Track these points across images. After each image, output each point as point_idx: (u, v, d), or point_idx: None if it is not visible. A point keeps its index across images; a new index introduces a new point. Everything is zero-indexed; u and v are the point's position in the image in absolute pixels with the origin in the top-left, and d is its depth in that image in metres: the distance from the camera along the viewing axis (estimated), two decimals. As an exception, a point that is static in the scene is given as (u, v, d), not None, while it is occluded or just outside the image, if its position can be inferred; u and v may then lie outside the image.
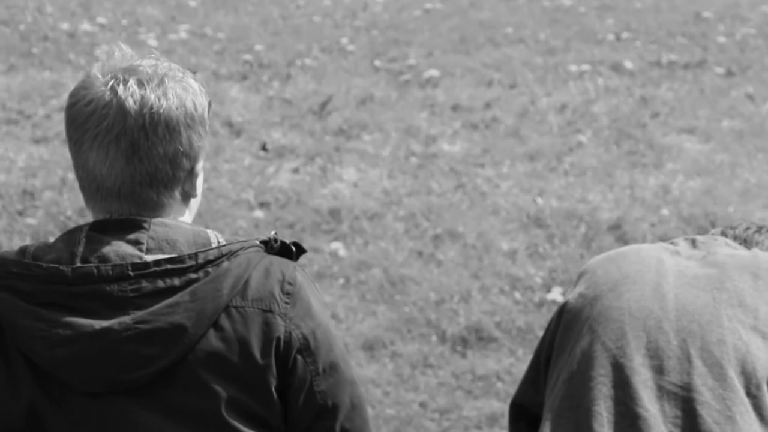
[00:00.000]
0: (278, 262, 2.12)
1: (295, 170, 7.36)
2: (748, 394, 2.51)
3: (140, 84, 2.05)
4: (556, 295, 5.90)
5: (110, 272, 2.01)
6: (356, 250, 6.37)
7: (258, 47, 9.93)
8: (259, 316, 2.05)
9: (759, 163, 7.62)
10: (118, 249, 2.04)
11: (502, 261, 6.28)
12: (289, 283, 2.09)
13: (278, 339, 2.05)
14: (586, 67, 9.48)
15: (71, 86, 2.21)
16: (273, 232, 2.19)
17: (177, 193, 2.12)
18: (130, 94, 2.04)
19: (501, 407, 5.06)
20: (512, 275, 6.14)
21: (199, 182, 2.17)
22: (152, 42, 9.91)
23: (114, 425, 2.02)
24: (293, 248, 2.18)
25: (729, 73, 9.45)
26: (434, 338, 5.61)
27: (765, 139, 8.00)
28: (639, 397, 2.51)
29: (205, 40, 10.23)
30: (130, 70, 2.07)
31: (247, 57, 9.58)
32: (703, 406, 2.49)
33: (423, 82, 9.08)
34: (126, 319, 1.99)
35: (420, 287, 6.01)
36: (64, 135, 8.42)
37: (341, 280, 6.06)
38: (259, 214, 6.72)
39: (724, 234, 2.87)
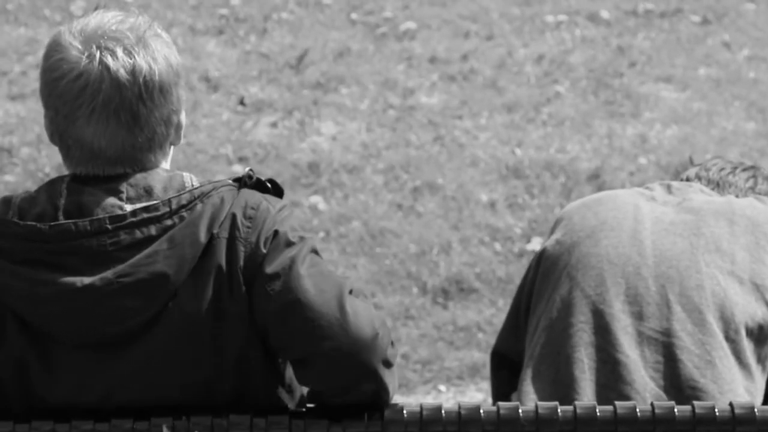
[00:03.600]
0: (247, 193, 2.11)
1: (274, 124, 7.35)
2: (727, 338, 2.53)
3: (127, 52, 2.03)
4: (536, 245, 5.92)
5: (88, 227, 2.01)
6: (336, 204, 6.38)
7: (234, 1, 9.87)
8: (223, 243, 2.04)
9: (735, 111, 7.64)
10: (100, 199, 2.04)
11: (481, 212, 6.30)
12: (252, 208, 2.08)
13: (242, 265, 2.04)
14: (562, 17, 9.46)
15: (46, 42, 2.16)
16: (248, 169, 2.19)
17: (167, 148, 2.15)
18: (122, 65, 2.02)
19: (482, 357, 5.09)
20: (492, 226, 6.16)
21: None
22: (127, -3, 9.85)
23: (99, 374, 2.03)
24: (269, 185, 2.17)
25: (705, 21, 9.45)
26: (415, 290, 5.63)
27: (741, 87, 8.02)
28: (619, 343, 2.53)
29: (181, -5, 10.17)
30: (112, 38, 2.04)
31: (223, 11, 9.52)
32: (683, 351, 2.51)
33: (400, 34, 9.05)
34: (108, 274, 1.99)
35: (400, 239, 6.02)
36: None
37: (321, 234, 6.07)
38: (237, 168, 6.71)
39: (698, 177, 2.88)
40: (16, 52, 8.54)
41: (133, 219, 2.02)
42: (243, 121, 7.39)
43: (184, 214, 2.03)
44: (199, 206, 2.05)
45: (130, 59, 2.03)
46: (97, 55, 2.02)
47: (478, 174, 6.72)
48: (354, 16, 9.55)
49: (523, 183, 6.63)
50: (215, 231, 2.04)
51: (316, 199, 6.39)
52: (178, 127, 2.15)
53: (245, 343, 2.06)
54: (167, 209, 2.03)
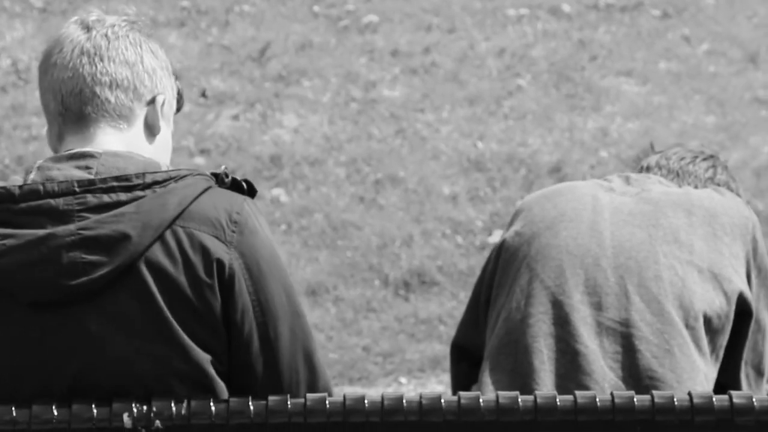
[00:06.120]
0: (227, 193, 2.13)
1: (235, 117, 7.34)
2: (687, 326, 2.56)
3: (117, 22, 2.20)
4: (497, 238, 5.94)
5: (56, 188, 2.04)
6: (298, 196, 6.38)
7: (195, -6, 9.85)
8: (205, 239, 2.06)
9: (695, 105, 7.69)
10: (67, 172, 2.07)
11: (443, 205, 6.32)
12: (237, 212, 2.09)
13: (222, 266, 2.05)
14: (524, 11, 9.49)
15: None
16: (223, 167, 2.21)
17: (137, 108, 2.18)
18: (91, 19, 2.18)
19: (443, 350, 5.11)
20: (453, 219, 6.18)
21: (165, 127, 2.24)
22: (88, -11, 9.80)
23: (58, 335, 2.04)
24: (244, 185, 2.19)
25: (665, 15, 9.50)
26: (377, 282, 5.64)
27: (701, 81, 8.07)
28: (578, 334, 2.55)
29: (142, -13, 10.13)
30: (110, 17, 2.21)
31: (185, 3, 9.50)
32: (642, 341, 2.54)
33: (362, 27, 9.05)
34: (70, 226, 2.02)
35: (362, 232, 6.03)
36: (-1, 83, 8.22)
37: (283, 226, 6.08)
38: (199, 160, 6.70)
39: (659, 165, 2.89)
40: (-24, 43, 8.48)
41: (102, 185, 2.04)
42: (205, 114, 7.37)
43: (157, 189, 2.05)
44: (172, 184, 2.06)
45: (105, 18, 2.19)
46: (92, 27, 2.19)
47: (440, 167, 6.74)
48: (316, 8, 9.54)
49: (485, 176, 6.65)
50: (198, 222, 2.06)
51: (278, 192, 6.39)
52: (153, 104, 2.18)
53: (202, 326, 2.06)
54: (140, 182, 2.05)
